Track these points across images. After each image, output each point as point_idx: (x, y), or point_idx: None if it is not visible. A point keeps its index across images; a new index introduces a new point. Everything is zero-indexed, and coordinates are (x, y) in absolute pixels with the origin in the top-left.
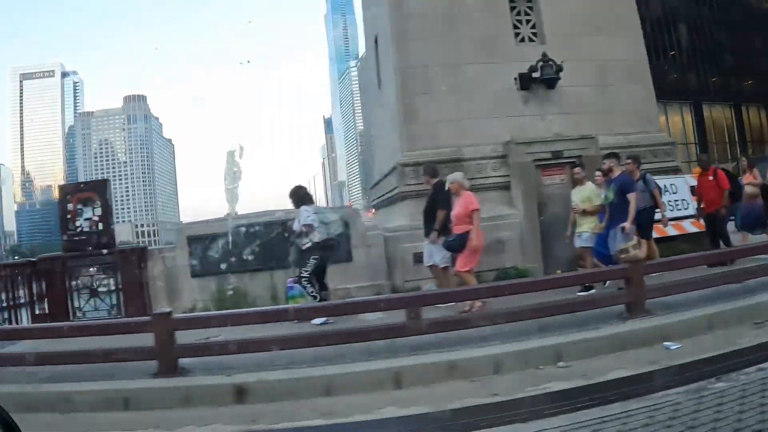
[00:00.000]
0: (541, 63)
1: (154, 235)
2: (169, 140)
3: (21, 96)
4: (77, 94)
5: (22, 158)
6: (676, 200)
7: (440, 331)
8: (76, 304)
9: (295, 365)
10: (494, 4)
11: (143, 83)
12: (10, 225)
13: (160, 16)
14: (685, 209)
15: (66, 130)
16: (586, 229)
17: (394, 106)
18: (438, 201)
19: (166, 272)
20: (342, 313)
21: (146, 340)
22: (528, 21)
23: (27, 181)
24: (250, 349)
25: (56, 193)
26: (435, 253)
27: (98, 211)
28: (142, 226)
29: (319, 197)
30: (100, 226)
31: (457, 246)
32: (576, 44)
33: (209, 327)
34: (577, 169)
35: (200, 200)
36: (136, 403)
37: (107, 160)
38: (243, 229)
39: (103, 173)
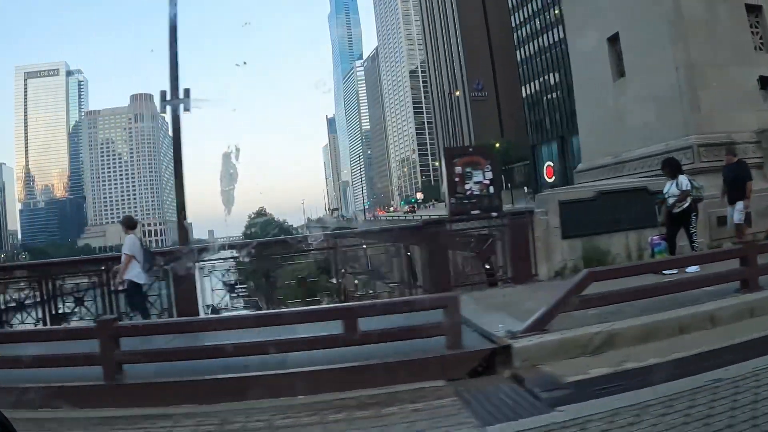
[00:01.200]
0: None
1: (161, 234)
2: None
3: (25, 95)
4: (82, 93)
5: (26, 157)
6: None
7: None
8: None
9: None
10: (737, 17)
11: (147, 82)
12: (13, 224)
13: (162, 17)
14: None
15: (69, 129)
16: None
17: (673, 96)
18: (741, 175)
19: (542, 234)
20: None
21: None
22: (756, 33)
23: (30, 180)
24: None
25: (58, 193)
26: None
27: (489, 175)
28: (149, 225)
29: (321, 198)
30: (491, 189)
31: None
32: None
33: None
34: None
35: (206, 200)
36: (719, 320)
37: (113, 159)
38: (605, 194)
39: (108, 172)
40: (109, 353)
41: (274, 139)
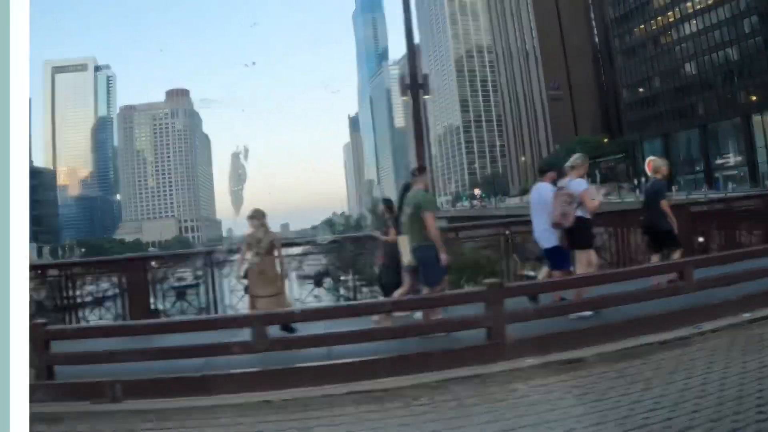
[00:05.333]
0: None
1: (196, 231)
2: (206, 136)
3: (53, 90)
4: (110, 88)
5: (54, 153)
6: None
7: None
8: None
9: None
10: None
11: (164, 80)
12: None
13: (174, 17)
14: None
15: (95, 124)
16: None
17: None
18: None
19: None
20: None
21: None
22: None
23: (57, 176)
24: None
25: (87, 189)
26: None
27: None
28: (185, 221)
29: (341, 196)
30: None
31: None
32: None
33: None
34: None
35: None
36: None
37: (147, 155)
38: None
39: (143, 167)
40: (497, 315)
41: (289, 137)
